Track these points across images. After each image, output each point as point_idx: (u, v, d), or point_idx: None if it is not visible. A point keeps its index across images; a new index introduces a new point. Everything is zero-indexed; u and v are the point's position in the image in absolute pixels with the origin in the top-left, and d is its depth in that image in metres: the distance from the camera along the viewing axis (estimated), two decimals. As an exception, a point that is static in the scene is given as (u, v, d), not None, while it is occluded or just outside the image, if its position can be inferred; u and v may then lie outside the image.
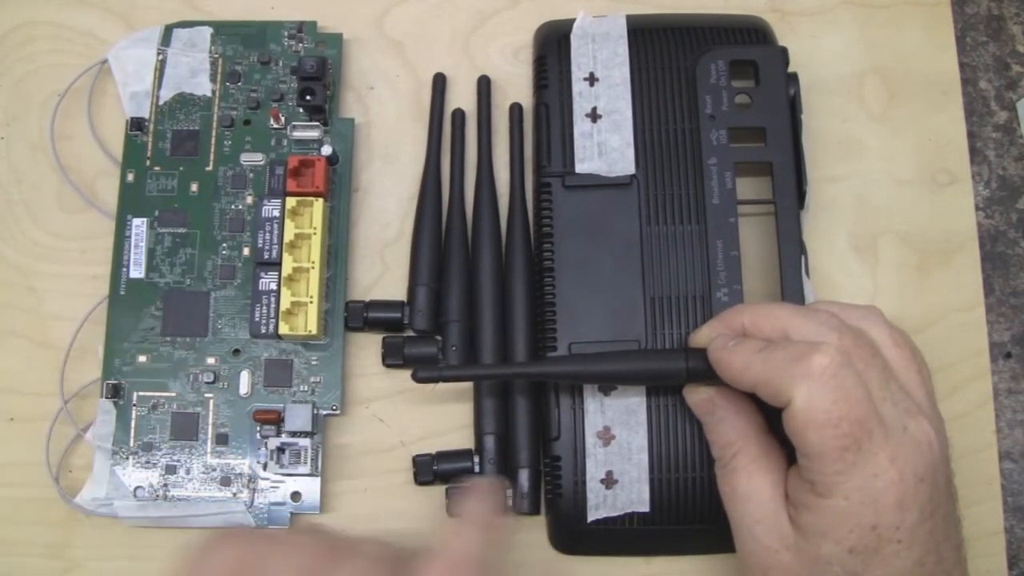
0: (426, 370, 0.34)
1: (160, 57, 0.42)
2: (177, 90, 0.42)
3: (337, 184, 0.41)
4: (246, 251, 0.40)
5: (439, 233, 0.41)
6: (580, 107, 0.40)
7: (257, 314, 0.38)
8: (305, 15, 0.43)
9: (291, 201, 0.39)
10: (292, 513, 0.38)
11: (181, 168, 0.41)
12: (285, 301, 0.38)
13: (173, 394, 0.39)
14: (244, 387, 0.39)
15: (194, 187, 0.41)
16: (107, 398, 0.39)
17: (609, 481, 0.36)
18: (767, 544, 0.31)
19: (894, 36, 0.44)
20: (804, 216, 0.39)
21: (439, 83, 0.43)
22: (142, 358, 0.39)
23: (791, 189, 0.38)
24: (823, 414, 0.29)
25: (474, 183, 0.42)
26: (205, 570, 0.28)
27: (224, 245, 0.40)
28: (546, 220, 0.39)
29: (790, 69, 0.40)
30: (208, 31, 0.42)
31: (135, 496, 0.38)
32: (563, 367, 0.34)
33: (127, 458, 0.38)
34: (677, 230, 0.38)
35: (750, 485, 0.32)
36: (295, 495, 0.38)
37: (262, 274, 0.38)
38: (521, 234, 0.40)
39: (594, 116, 0.39)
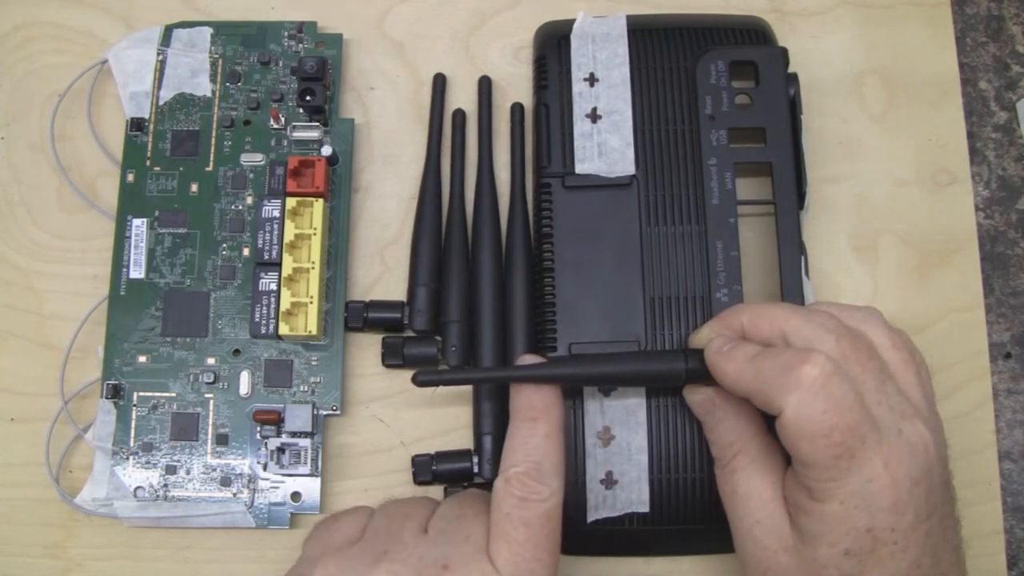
0: (426, 374, 0.34)
1: (160, 57, 0.42)
2: (177, 90, 0.42)
3: (337, 184, 0.41)
4: (246, 251, 0.40)
5: (439, 233, 0.41)
6: (580, 107, 0.40)
7: (257, 314, 0.38)
8: (305, 15, 0.43)
9: (291, 201, 0.39)
10: (292, 513, 0.38)
11: (181, 168, 0.41)
12: (285, 301, 0.38)
13: (173, 394, 0.39)
14: (244, 387, 0.39)
15: (194, 187, 0.41)
16: (107, 398, 0.39)
17: (609, 481, 0.36)
18: (766, 545, 0.31)
19: (894, 36, 0.44)
20: (804, 216, 0.39)
21: (439, 83, 0.43)
22: (142, 358, 0.39)
23: (791, 189, 0.38)
24: (813, 425, 0.29)
25: (474, 183, 0.42)
26: None
27: (224, 245, 0.40)
28: (546, 220, 0.39)
29: (790, 69, 0.40)
30: (208, 31, 0.42)
31: (135, 496, 0.38)
32: (562, 370, 0.34)
33: (127, 458, 0.38)
34: (677, 230, 0.38)
35: (750, 485, 0.32)
36: (295, 495, 0.38)
37: (262, 274, 0.38)
38: (521, 234, 0.40)
39: (594, 116, 0.39)
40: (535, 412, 0.33)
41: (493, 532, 0.31)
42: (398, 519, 0.33)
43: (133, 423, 0.39)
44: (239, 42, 0.42)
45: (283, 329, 0.38)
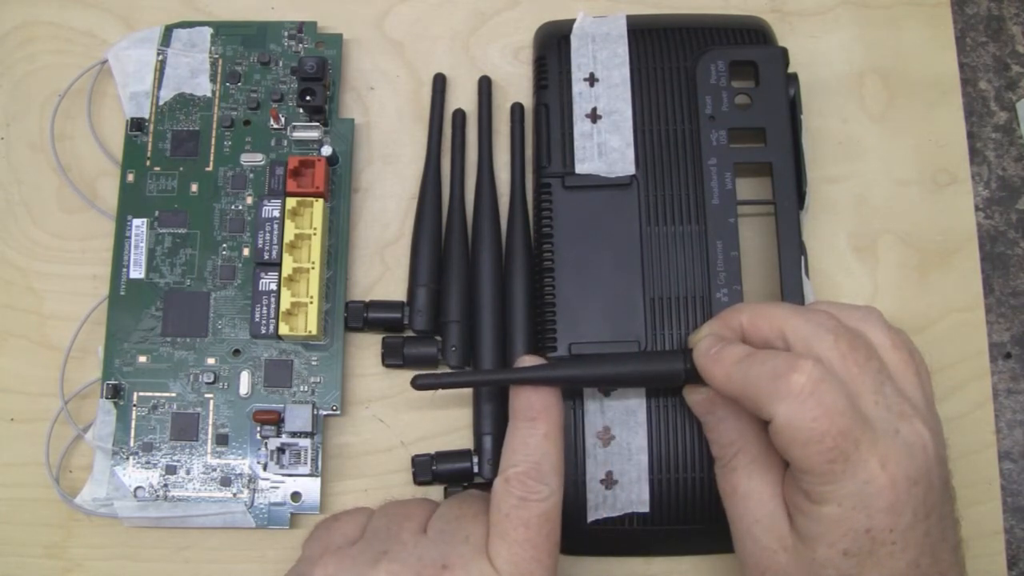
0: (425, 378, 0.34)
1: (160, 57, 0.42)
2: (177, 90, 0.42)
3: (337, 184, 0.41)
4: (246, 251, 0.40)
5: (439, 233, 0.41)
6: (580, 107, 0.40)
7: (257, 314, 0.38)
8: (305, 15, 0.43)
9: (291, 201, 0.39)
10: (292, 513, 0.38)
11: (181, 168, 0.41)
12: (285, 301, 0.38)
13: (173, 394, 0.39)
14: (244, 387, 0.39)
15: (194, 187, 0.41)
16: (107, 398, 0.39)
17: (609, 481, 0.36)
18: (765, 544, 0.31)
19: (894, 36, 0.44)
20: (804, 216, 0.39)
21: (439, 83, 0.43)
22: (142, 358, 0.39)
23: (791, 189, 0.38)
24: (805, 432, 0.29)
25: (474, 183, 0.42)
26: None
27: (224, 245, 0.40)
28: (546, 220, 0.39)
29: (790, 69, 0.40)
30: (208, 31, 0.42)
31: (135, 496, 0.38)
32: (562, 371, 0.34)
33: (127, 458, 0.39)
34: (677, 230, 0.38)
35: (750, 484, 0.32)
36: (295, 495, 0.38)
37: (262, 274, 0.38)
38: (521, 234, 0.40)
39: (594, 116, 0.39)
40: (534, 412, 0.33)
41: (492, 532, 0.31)
42: (398, 519, 0.33)
43: (133, 423, 0.39)
44: (239, 42, 0.42)
45: (283, 329, 0.38)
